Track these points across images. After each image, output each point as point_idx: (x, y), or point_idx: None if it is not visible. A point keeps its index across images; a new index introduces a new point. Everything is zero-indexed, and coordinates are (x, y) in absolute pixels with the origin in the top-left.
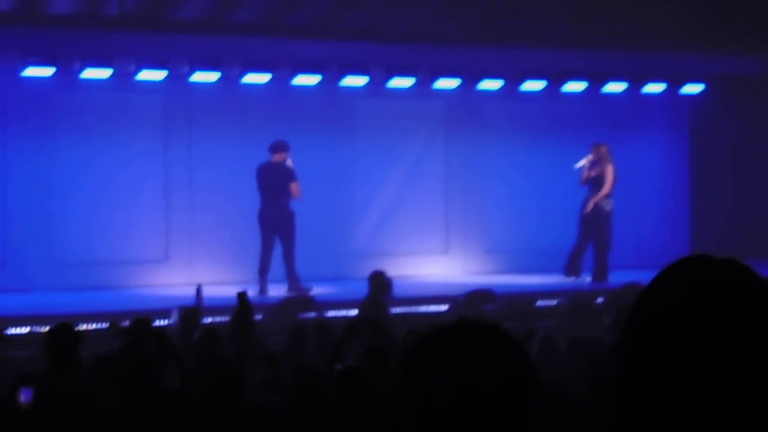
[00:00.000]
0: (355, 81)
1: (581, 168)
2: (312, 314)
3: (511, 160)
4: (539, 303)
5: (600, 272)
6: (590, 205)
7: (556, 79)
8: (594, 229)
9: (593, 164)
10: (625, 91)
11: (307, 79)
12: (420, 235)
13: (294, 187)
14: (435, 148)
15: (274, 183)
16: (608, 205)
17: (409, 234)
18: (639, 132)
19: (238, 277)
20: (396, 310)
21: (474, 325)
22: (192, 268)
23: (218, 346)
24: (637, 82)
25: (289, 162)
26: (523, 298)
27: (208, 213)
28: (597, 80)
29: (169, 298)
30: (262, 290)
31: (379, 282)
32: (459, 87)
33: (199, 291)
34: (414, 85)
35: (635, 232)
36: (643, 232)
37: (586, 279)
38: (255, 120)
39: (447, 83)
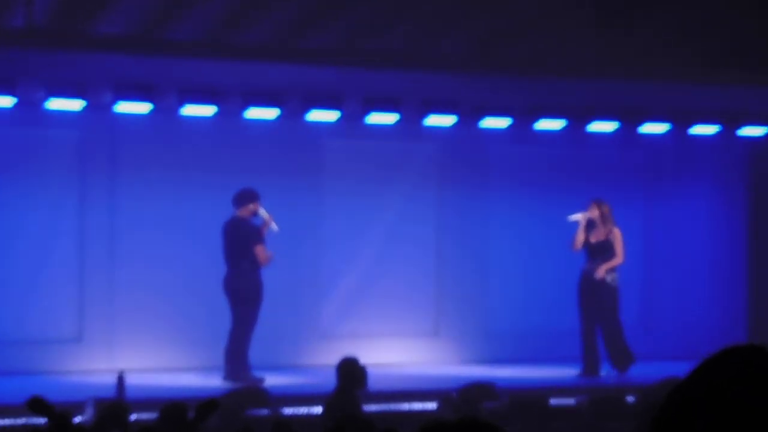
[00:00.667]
0: (323, 116)
1: (575, 223)
2: (264, 411)
3: (521, 218)
4: (553, 401)
5: (622, 356)
6: (601, 275)
7: (579, 117)
8: (602, 309)
9: (590, 226)
10: (667, 132)
11: (262, 113)
12: (403, 313)
13: (259, 250)
14: (424, 202)
15: (235, 244)
16: (614, 280)
17: (390, 311)
18: (684, 185)
19: (174, 363)
20: (371, 407)
21: (472, 426)
22: (112, 351)
23: None
24: (682, 121)
25: (263, 213)
26: (533, 395)
27: (133, 280)
28: (631, 119)
29: (83, 388)
30: (243, 378)
31: (350, 372)
32: (456, 125)
33: (121, 379)
34: (399, 122)
35: (676, 315)
36: (686, 315)
37: (608, 371)
38: (196, 163)
39: (440, 120)
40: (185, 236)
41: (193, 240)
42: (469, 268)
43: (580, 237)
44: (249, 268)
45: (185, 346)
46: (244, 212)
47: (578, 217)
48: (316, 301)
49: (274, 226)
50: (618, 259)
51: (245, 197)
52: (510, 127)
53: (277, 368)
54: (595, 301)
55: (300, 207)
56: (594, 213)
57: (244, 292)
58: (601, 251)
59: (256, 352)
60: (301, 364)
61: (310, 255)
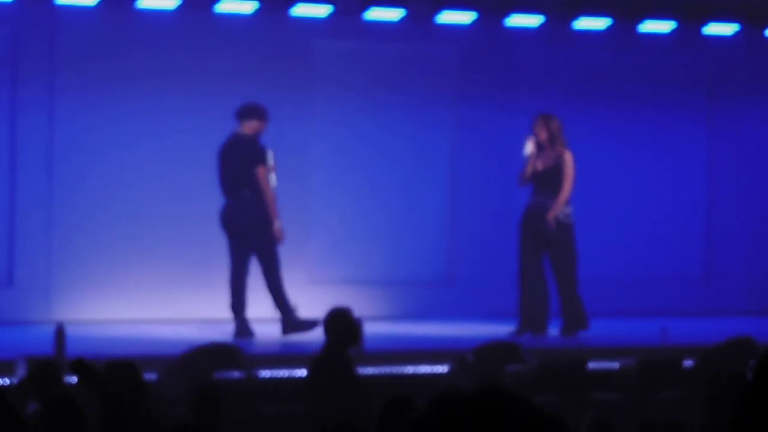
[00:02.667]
0: (311, 10)
1: (527, 157)
2: (237, 373)
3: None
4: (592, 365)
5: (574, 319)
6: (551, 220)
7: (628, 15)
8: (555, 255)
9: (540, 150)
10: (737, 34)
11: (237, 6)
12: (409, 254)
13: (261, 172)
14: (437, 120)
15: (233, 166)
16: (567, 215)
17: (392, 251)
18: (757, 100)
19: (126, 313)
20: (368, 370)
21: (495, 399)
22: (50, 298)
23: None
24: (755, 20)
25: (269, 157)
26: (567, 357)
27: (76, 212)
28: (692, 17)
29: (14, 342)
30: (241, 332)
31: (342, 326)
32: (475, 23)
33: (59, 332)
34: (405, 19)
35: (745, 262)
36: (756, 262)
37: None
38: (154, 68)
39: (456, 17)
40: (141, 158)
41: (151, 163)
42: (490, 202)
43: (530, 167)
44: (252, 197)
45: (140, 294)
46: (247, 129)
47: (529, 148)
48: (303, 239)
49: (273, 180)
50: (563, 193)
51: (249, 111)
52: (542, 26)
53: (253, 321)
54: (543, 243)
55: (284, 125)
56: (541, 133)
57: (248, 225)
58: (549, 180)
59: (225, 301)
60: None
61: (296, 183)
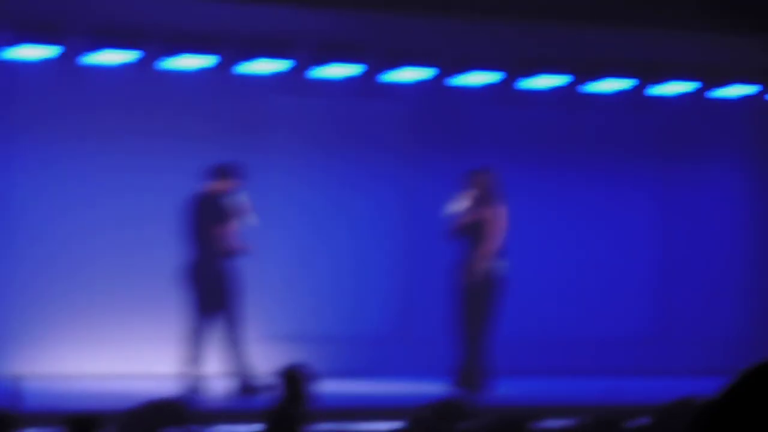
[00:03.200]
0: (266, 66)
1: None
2: (181, 430)
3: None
4: (543, 424)
5: (471, 375)
6: (476, 274)
7: (581, 73)
8: (472, 308)
9: (474, 205)
10: (688, 93)
11: (192, 61)
12: (362, 310)
13: (218, 231)
14: (391, 171)
15: (203, 223)
16: (499, 268)
17: (345, 307)
18: (709, 160)
19: (82, 368)
20: (323, 426)
21: None
22: (5, 352)
23: None
24: (706, 80)
25: (243, 199)
26: (518, 415)
27: (34, 268)
28: (645, 76)
29: None
30: (195, 387)
31: (296, 381)
32: (431, 80)
33: (14, 386)
34: (359, 76)
35: (697, 322)
36: (709, 323)
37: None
38: (109, 123)
39: (411, 74)
40: (98, 215)
41: (110, 219)
42: (443, 257)
43: (461, 221)
44: (217, 252)
45: (98, 348)
46: (218, 186)
47: (462, 202)
48: (258, 297)
49: (252, 219)
50: (486, 246)
51: (229, 170)
52: (495, 84)
53: (209, 377)
54: (469, 295)
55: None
56: (475, 188)
57: (216, 281)
58: (477, 233)
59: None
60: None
61: (249, 236)
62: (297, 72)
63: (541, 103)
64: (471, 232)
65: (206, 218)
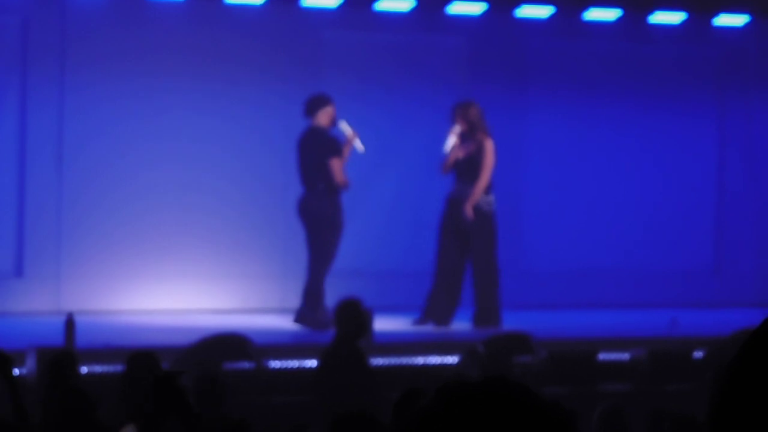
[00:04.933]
0: (321, 1)
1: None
2: (246, 364)
3: (564, 130)
4: (602, 356)
5: (486, 312)
6: (469, 210)
7: (639, 6)
8: (473, 244)
9: (463, 139)
10: (748, 25)
11: None
12: (414, 244)
13: (334, 165)
14: (448, 108)
15: (307, 159)
16: (488, 204)
17: (396, 244)
18: (767, 90)
19: (136, 304)
20: (378, 361)
21: (506, 388)
22: (60, 288)
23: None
24: (765, 12)
25: (345, 128)
26: (578, 348)
27: (86, 202)
28: (703, 8)
29: (24, 332)
30: (316, 322)
31: (352, 317)
32: (486, 14)
33: (69, 323)
34: (415, 10)
35: (754, 253)
36: (764, 247)
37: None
38: (165, 59)
39: (467, 7)
40: (150, 152)
41: (161, 154)
42: (499, 193)
43: (452, 156)
44: (325, 189)
45: (150, 284)
46: (321, 119)
47: (451, 140)
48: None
49: (359, 145)
50: (480, 181)
51: (318, 101)
52: (552, 17)
53: (262, 311)
54: (463, 232)
55: (292, 115)
56: (461, 123)
57: (319, 218)
58: (469, 168)
59: (239, 293)
60: (291, 306)
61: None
62: (352, 6)
63: (597, 36)
64: (465, 166)
65: (322, 153)
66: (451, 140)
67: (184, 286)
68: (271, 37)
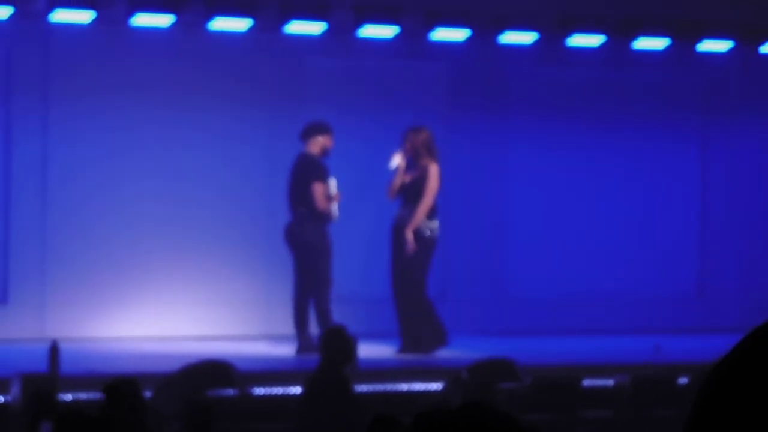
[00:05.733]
0: (305, 27)
1: (396, 170)
2: (230, 391)
3: (547, 155)
4: (587, 382)
5: (412, 340)
6: (409, 235)
7: (622, 31)
8: (405, 268)
9: (409, 162)
10: (731, 51)
11: (231, 23)
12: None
13: (317, 189)
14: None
15: (293, 184)
16: (431, 229)
17: (384, 268)
18: (751, 117)
19: (119, 331)
20: (362, 387)
21: (484, 415)
22: (44, 316)
23: None
24: (749, 38)
25: (333, 187)
26: (562, 374)
27: (70, 230)
28: (687, 34)
29: (8, 360)
30: (303, 347)
31: (337, 343)
32: (469, 40)
33: (54, 350)
34: (398, 37)
35: (738, 279)
36: (749, 279)
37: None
38: (148, 86)
39: (451, 34)
40: (134, 176)
41: (145, 179)
42: (482, 220)
43: (397, 180)
44: (306, 214)
45: (134, 311)
46: (313, 146)
47: (396, 160)
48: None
49: (334, 209)
50: (422, 206)
51: (312, 129)
52: (535, 43)
53: (248, 338)
54: (403, 256)
55: (275, 143)
56: (408, 146)
57: (302, 243)
58: (414, 193)
59: (224, 320)
60: (275, 332)
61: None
62: (335, 33)
63: (581, 62)
64: (411, 190)
65: (306, 177)
66: (396, 161)
67: (168, 313)
68: (254, 65)
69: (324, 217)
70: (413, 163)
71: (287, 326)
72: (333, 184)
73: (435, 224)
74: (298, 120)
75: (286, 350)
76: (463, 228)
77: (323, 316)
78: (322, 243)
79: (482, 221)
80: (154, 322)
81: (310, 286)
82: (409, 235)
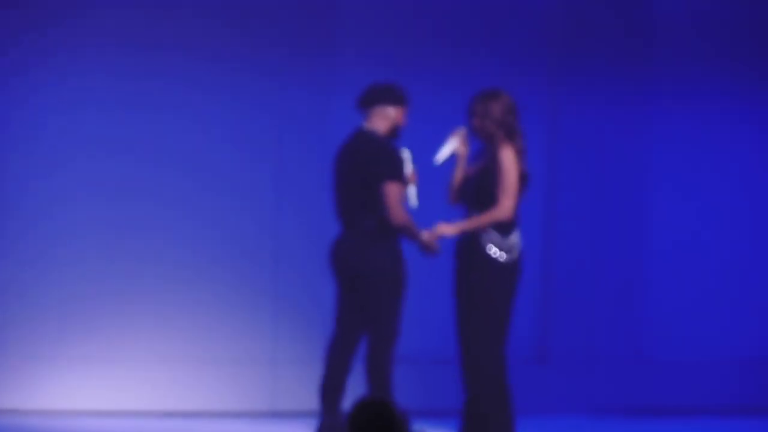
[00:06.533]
0: None
1: (449, 161)
2: None
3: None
4: None
5: (479, 424)
6: (445, 229)
7: None
8: (467, 314)
9: (477, 147)
10: None
11: None
12: None
13: (390, 190)
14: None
15: (352, 185)
16: (507, 249)
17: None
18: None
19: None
20: None
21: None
22: None
23: None
24: None
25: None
26: None
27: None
28: None
29: None
30: (326, 426)
31: (376, 423)
32: None
33: None
34: None
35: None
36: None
37: None
38: (144, 38)
39: None
40: (121, 158)
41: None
42: (610, 241)
43: (459, 174)
44: (374, 230)
45: (69, 376)
46: (374, 124)
47: (448, 149)
48: None
49: (412, 196)
50: (498, 209)
51: (377, 96)
52: None
53: (235, 416)
54: (466, 294)
55: (303, 101)
56: (476, 121)
57: (362, 269)
58: (481, 198)
59: (203, 391)
60: (283, 408)
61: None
62: None
63: None
64: (479, 192)
65: (379, 174)
66: (448, 148)
67: (119, 379)
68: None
69: (400, 234)
70: (484, 147)
71: (303, 398)
72: (408, 159)
73: (514, 241)
74: (323, 66)
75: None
76: (572, 252)
77: (381, 378)
78: (394, 272)
79: (610, 243)
80: (96, 390)
81: (364, 335)
82: (445, 229)
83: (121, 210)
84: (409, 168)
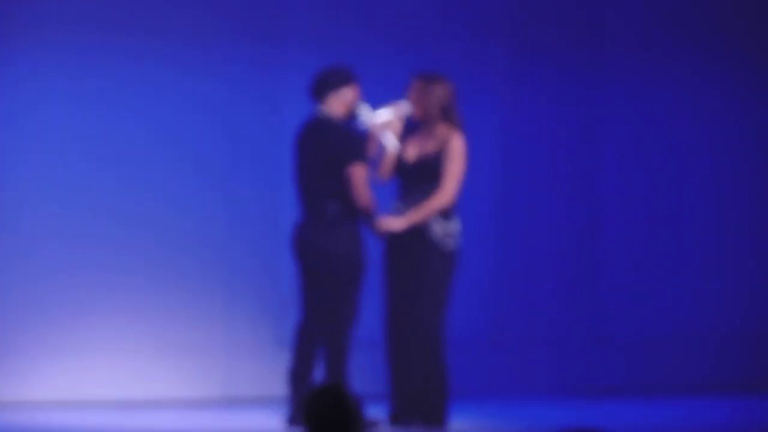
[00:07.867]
0: None
1: (385, 135)
2: None
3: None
4: None
5: (433, 410)
6: (393, 223)
7: None
8: (409, 297)
9: (412, 128)
10: None
11: None
12: None
13: (356, 172)
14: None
15: (314, 170)
16: (447, 233)
17: None
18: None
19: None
20: None
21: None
22: None
23: None
24: None
25: (366, 113)
26: None
27: None
28: None
29: None
30: (297, 412)
31: (330, 408)
32: None
33: None
34: None
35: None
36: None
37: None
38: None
39: None
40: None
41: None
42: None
43: (390, 155)
44: (340, 214)
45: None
46: (335, 106)
47: (382, 116)
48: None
49: (390, 141)
50: (442, 195)
51: (333, 78)
52: None
53: (201, 403)
54: (408, 279)
55: (247, 82)
56: (419, 103)
57: (330, 256)
58: (424, 177)
59: (167, 380)
60: (241, 394)
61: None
62: None
63: None
64: (422, 170)
65: (343, 157)
66: (382, 115)
67: (88, 370)
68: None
69: (364, 217)
70: (419, 128)
71: (259, 384)
72: (365, 110)
73: (455, 227)
74: (273, 54)
75: (264, 421)
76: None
77: (337, 359)
78: (356, 256)
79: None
80: (68, 382)
81: (326, 318)
82: (393, 224)
83: (81, 200)
84: (373, 117)
